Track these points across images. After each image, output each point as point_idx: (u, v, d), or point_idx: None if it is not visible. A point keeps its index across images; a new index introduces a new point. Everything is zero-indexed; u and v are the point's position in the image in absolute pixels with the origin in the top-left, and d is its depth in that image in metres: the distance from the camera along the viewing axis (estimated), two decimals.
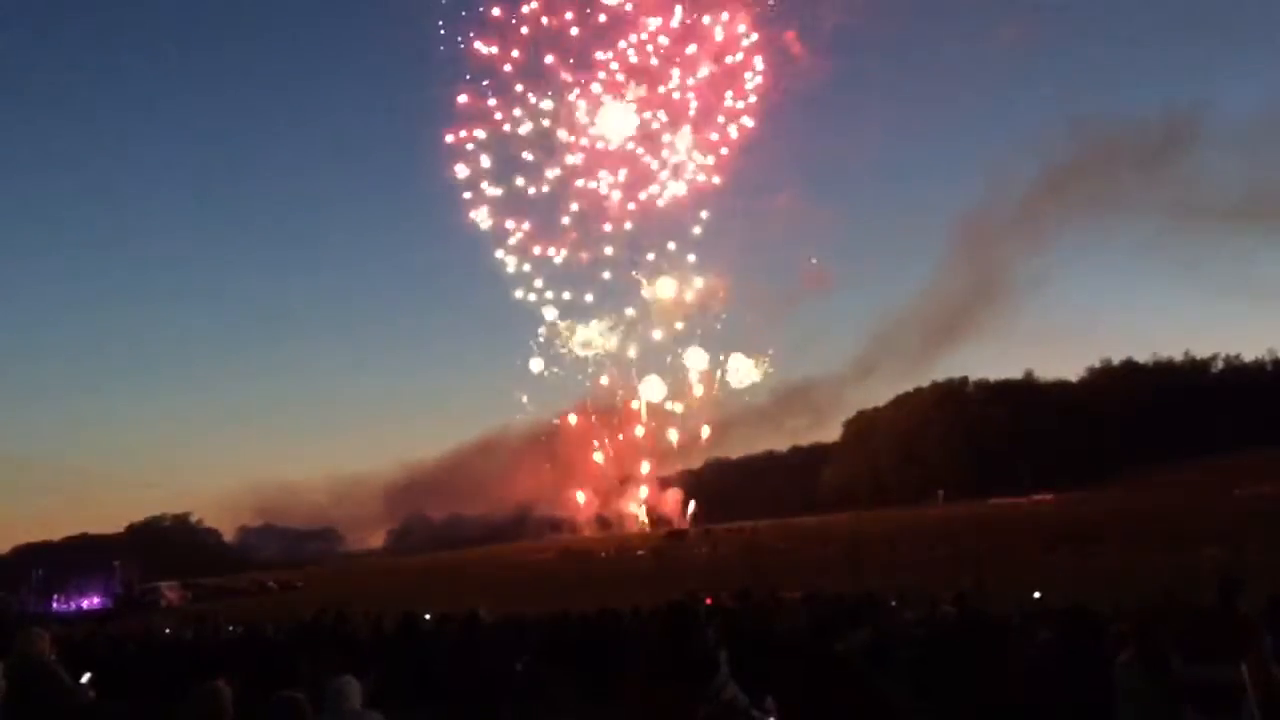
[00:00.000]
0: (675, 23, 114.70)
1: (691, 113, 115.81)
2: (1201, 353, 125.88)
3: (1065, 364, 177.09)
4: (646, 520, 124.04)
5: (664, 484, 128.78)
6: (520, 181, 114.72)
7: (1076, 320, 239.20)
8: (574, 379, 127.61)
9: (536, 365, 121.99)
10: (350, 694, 7.56)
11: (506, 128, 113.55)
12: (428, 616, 20.37)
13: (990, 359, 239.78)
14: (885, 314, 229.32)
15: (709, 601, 22.87)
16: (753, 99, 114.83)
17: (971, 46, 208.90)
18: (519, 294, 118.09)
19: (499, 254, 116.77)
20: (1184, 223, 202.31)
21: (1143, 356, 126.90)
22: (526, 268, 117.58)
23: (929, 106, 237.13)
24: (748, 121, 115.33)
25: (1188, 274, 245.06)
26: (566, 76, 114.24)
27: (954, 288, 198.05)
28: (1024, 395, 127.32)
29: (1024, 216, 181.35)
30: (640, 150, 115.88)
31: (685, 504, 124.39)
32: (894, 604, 21.77)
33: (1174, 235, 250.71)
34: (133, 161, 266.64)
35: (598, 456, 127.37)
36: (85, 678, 9.61)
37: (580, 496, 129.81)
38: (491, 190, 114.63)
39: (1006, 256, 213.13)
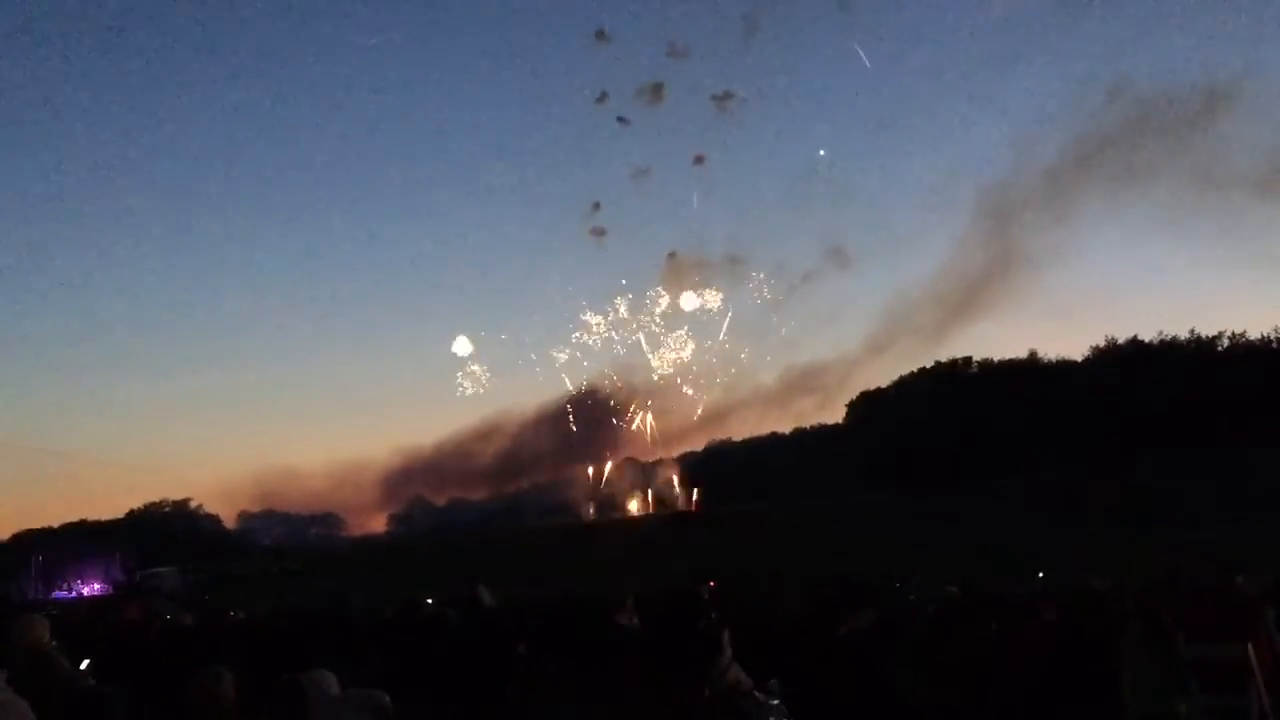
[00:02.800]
0: None
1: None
2: (1218, 329, 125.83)
3: (1083, 340, 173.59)
4: (650, 502, 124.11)
5: (667, 466, 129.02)
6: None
7: (1093, 295, 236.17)
8: (576, 362, 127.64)
9: (539, 350, 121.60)
10: (326, 688, 7.46)
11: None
12: (429, 600, 20.33)
13: (1006, 336, 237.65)
14: (900, 291, 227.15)
15: (712, 584, 22.90)
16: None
17: (1003, 7, 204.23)
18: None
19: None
20: (1207, 194, 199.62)
21: (1158, 332, 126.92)
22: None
23: (954, 72, 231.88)
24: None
25: (1208, 247, 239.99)
26: None
27: (971, 264, 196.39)
28: (1028, 375, 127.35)
29: (1048, 188, 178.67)
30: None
31: (688, 486, 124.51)
32: (898, 585, 21.78)
33: (1196, 207, 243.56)
34: (133, 146, 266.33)
35: (600, 439, 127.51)
36: (84, 664, 9.58)
37: (582, 479, 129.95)
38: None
39: (1027, 230, 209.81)
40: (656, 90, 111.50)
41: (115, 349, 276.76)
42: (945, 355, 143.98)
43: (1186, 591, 11.24)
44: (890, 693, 8.57)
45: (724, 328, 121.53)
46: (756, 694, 6.13)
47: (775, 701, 6.23)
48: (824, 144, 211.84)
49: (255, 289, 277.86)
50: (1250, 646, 9.03)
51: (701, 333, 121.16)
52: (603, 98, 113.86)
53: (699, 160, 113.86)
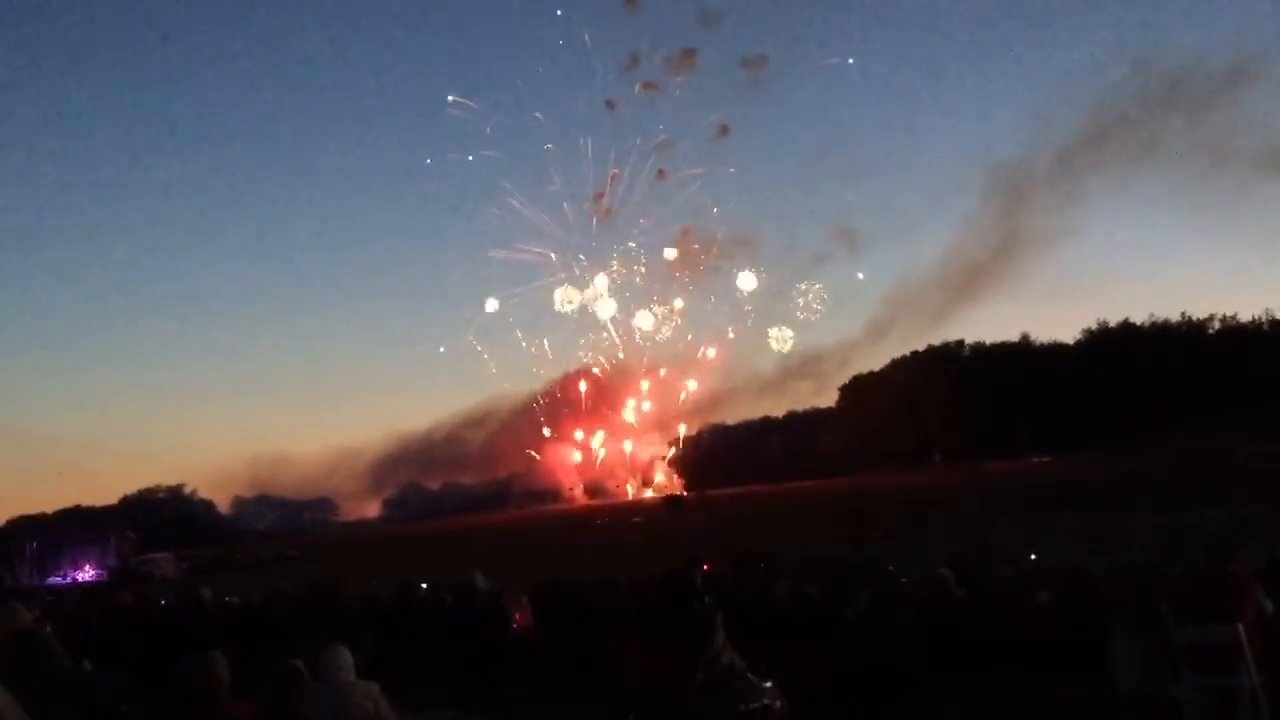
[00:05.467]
0: None
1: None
2: (1224, 310, 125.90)
3: (1091, 322, 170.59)
4: (643, 487, 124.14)
5: (660, 449, 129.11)
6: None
7: (1101, 277, 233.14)
8: (571, 345, 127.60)
9: (535, 332, 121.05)
10: (343, 663, 7.59)
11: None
12: (424, 585, 20.35)
13: (1011, 319, 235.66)
14: (904, 275, 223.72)
15: (705, 568, 22.94)
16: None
17: None
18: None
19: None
20: (1219, 171, 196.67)
21: (1149, 315, 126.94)
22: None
23: (973, 42, 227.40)
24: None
25: (1214, 227, 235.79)
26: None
27: (977, 246, 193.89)
28: (1020, 357, 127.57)
29: (1060, 167, 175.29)
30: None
31: (681, 470, 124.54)
32: (891, 568, 21.82)
33: (1204, 185, 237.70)
34: (129, 138, 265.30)
35: (593, 422, 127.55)
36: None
37: (575, 463, 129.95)
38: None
39: (1036, 211, 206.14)
40: (687, 57, 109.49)
41: (109, 336, 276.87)
42: (948, 339, 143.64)
43: (1177, 573, 11.29)
44: (884, 673, 8.62)
45: (727, 311, 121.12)
46: (750, 676, 6.16)
47: (768, 683, 6.27)
48: (840, 120, 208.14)
49: (249, 277, 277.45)
50: (1241, 627, 9.07)
51: (705, 316, 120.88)
52: (634, 63, 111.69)
53: (723, 132, 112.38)
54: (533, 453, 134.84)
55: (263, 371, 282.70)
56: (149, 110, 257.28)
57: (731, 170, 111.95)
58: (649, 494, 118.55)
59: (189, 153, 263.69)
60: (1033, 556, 22.60)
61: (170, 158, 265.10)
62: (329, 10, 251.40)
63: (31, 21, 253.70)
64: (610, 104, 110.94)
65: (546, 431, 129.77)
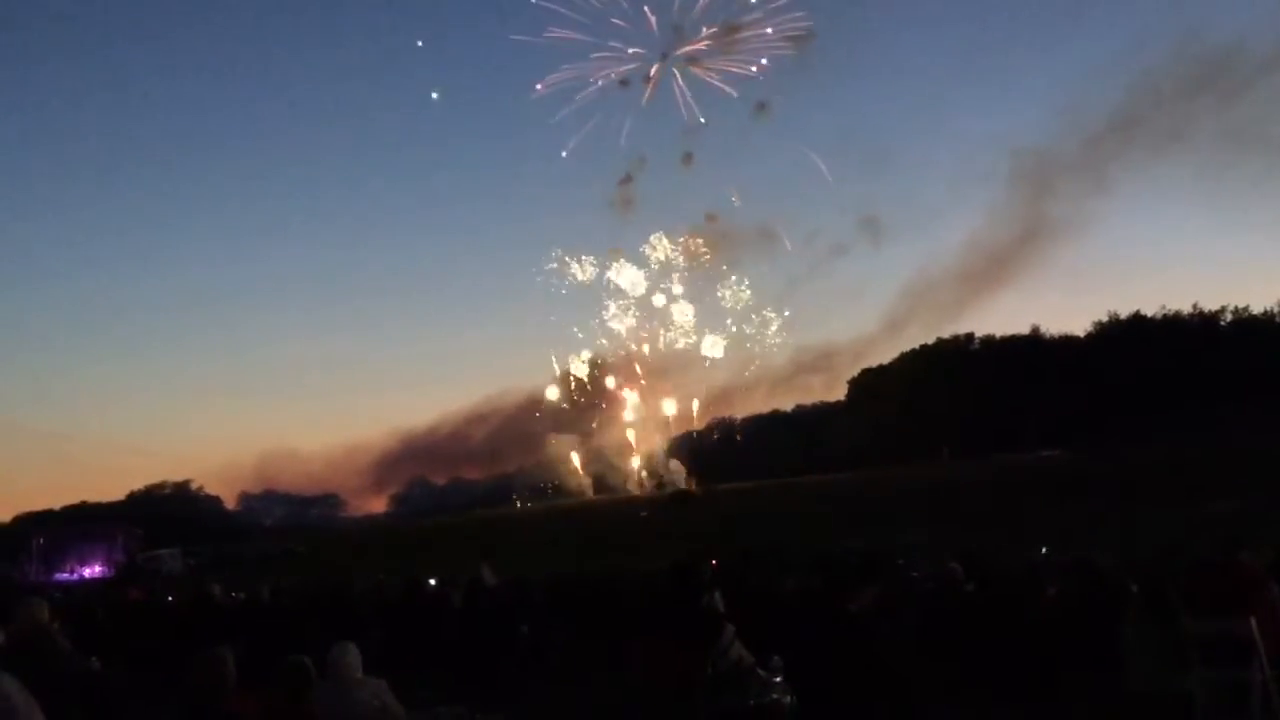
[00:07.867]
0: None
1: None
2: (1239, 302, 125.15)
3: (1098, 315, 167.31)
4: (650, 481, 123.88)
5: (668, 444, 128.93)
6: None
7: (1123, 268, 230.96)
8: (577, 337, 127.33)
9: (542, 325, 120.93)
10: (350, 659, 7.56)
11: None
12: (432, 581, 20.35)
13: (1028, 312, 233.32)
14: (923, 268, 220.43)
15: (713, 562, 22.92)
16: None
17: None
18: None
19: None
20: (1235, 159, 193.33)
21: (1160, 306, 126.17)
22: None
23: (999, 22, 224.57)
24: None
25: (1230, 216, 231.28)
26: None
27: (998, 238, 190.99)
28: (1030, 350, 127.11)
29: (1085, 155, 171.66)
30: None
31: (688, 464, 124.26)
32: (901, 562, 21.79)
33: (1222, 173, 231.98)
34: (134, 132, 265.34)
35: (600, 416, 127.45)
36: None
37: (582, 457, 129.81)
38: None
39: (1057, 201, 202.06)
40: (729, 30, 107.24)
41: (116, 331, 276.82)
42: (962, 332, 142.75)
43: (1189, 566, 11.24)
44: (892, 668, 8.57)
45: (742, 305, 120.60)
46: (759, 670, 6.12)
47: (778, 678, 6.22)
48: (869, 106, 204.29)
49: (255, 272, 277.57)
50: (1254, 620, 9.02)
51: (714, 310, 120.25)
52: (679, 31, 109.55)
53: (760, 108, 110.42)
54: (541, 446, 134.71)
55: (269, 367, 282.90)
56: (153, 108, 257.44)
57: (778, 140, 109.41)
58: (656, 488, 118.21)
59: (195, 151, 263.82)
60: (1043, 550, 22.57)
61: (175, 156, 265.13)
62: (320, 8, 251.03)
63: (31, 14, 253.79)
64: (648, 81, 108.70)
65: (556, 424, 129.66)
